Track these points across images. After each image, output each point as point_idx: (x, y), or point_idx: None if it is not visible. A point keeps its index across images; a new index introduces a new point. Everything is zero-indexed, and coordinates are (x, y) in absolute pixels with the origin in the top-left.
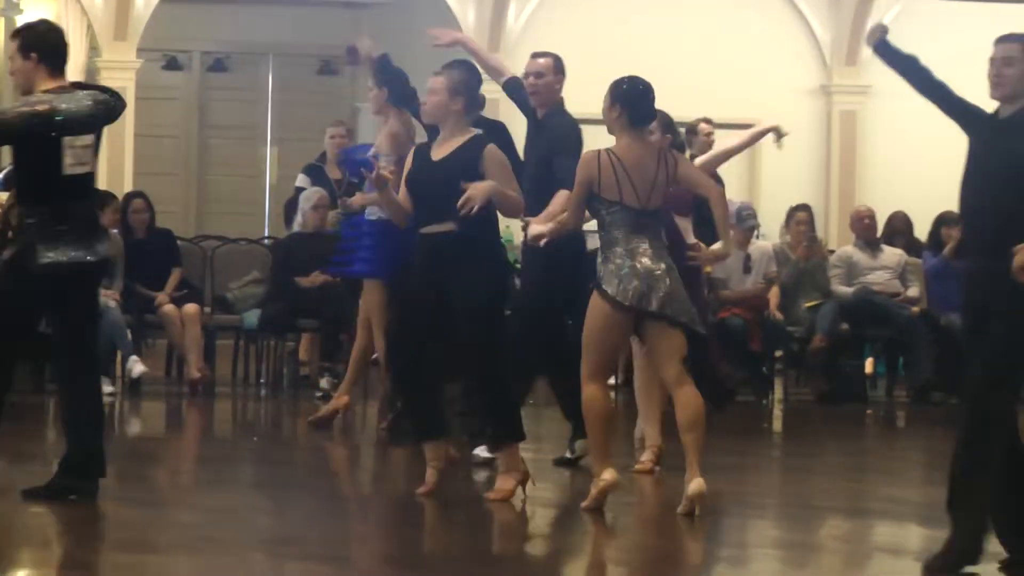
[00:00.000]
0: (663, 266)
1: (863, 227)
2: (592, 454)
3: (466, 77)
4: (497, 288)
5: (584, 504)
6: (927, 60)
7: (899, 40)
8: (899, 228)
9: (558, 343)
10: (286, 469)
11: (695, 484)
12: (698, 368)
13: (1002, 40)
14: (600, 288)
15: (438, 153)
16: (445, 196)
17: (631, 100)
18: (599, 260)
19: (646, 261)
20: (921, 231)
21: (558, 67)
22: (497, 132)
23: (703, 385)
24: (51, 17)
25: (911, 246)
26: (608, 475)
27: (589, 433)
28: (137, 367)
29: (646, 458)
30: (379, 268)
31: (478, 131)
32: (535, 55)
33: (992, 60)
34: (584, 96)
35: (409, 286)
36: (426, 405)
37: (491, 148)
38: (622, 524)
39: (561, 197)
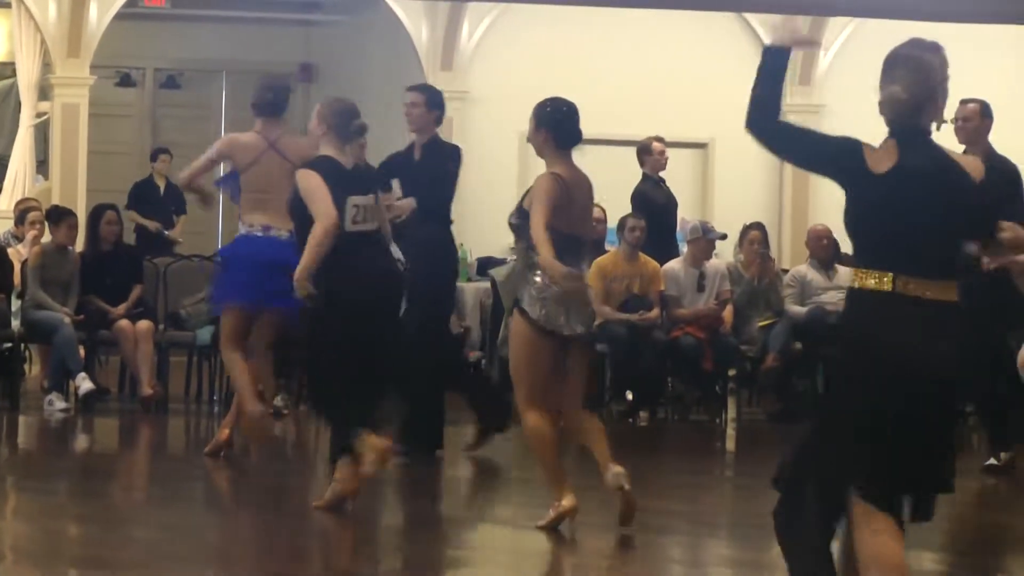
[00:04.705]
0: None
1: (821, 247)
2: (548, 479)
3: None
4: None
5: (540, 524)
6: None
7: (850, 63)
8: None
9: None
10: (238, 486)
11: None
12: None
13: None
14: (522, 311)
15: None
16: None
17: (555, 122)
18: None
19: None
20: None
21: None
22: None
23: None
24: (4, 33)
25: None
26: (567, 501)
27: (539, 460)
28: (84, 384)
29: None
30: None
31: None
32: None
33: None
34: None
35: None
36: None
37: None
38: (577, 543)
39: None
